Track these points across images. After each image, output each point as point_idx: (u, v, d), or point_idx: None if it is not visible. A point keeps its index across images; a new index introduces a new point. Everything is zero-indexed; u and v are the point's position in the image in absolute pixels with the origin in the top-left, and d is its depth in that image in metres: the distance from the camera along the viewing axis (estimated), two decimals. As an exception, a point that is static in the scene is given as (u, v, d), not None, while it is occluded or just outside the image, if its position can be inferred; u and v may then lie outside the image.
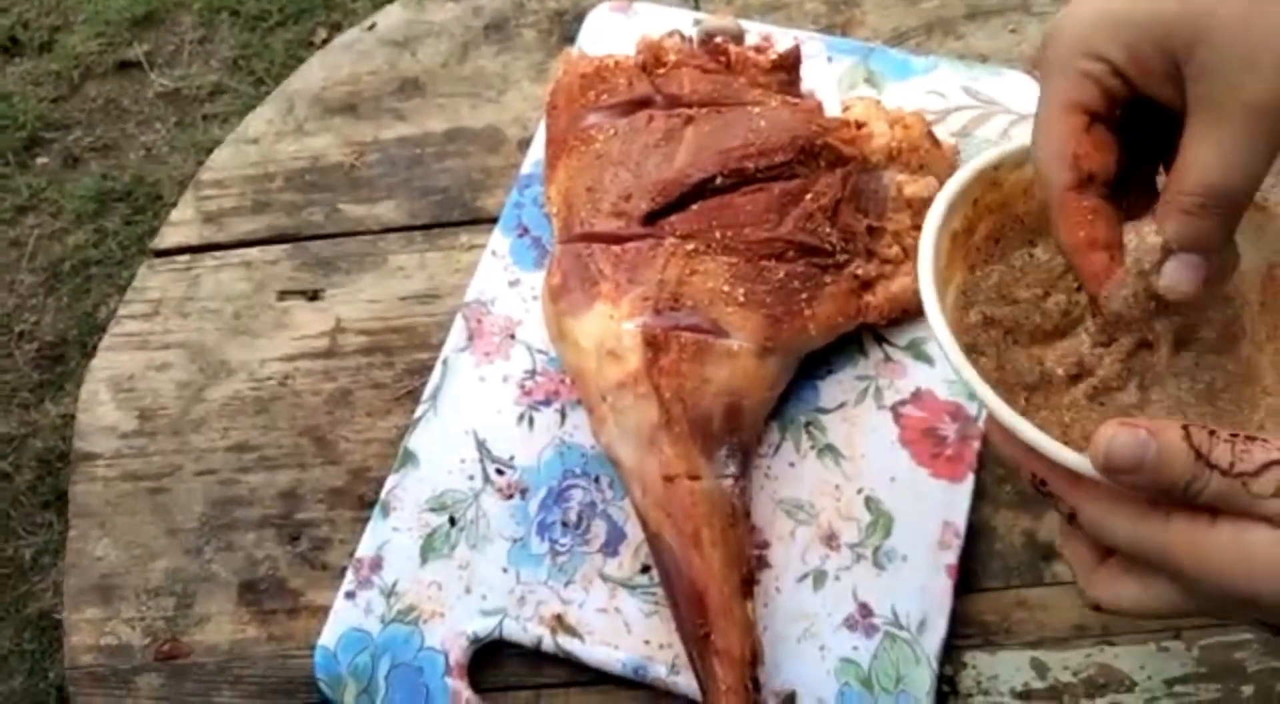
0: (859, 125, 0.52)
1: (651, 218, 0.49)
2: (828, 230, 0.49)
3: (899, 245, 0.51)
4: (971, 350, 0.38)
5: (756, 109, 0.51)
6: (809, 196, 0.49)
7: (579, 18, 0.65)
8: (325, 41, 1.67)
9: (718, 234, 0.48)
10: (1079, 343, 0.38)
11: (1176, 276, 0.32)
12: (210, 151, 1.65)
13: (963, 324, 0.39)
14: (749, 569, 0.46)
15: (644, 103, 0.52)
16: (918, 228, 0.51)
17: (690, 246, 0.48)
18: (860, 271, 0.50)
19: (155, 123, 1.62)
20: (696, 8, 0.65)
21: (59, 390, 1.37)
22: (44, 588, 1.22)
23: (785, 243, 0.49)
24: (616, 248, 0.49)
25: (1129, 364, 0.37)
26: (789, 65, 0.53)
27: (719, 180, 0.49)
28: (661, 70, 0.53)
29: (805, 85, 0.56)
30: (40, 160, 1.60)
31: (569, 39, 0.65)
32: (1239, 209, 0.31)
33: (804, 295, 0.49)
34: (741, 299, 0.48)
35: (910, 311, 0.52)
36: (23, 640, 1.19)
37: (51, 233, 1.52)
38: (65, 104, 1.65)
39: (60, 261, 1.48)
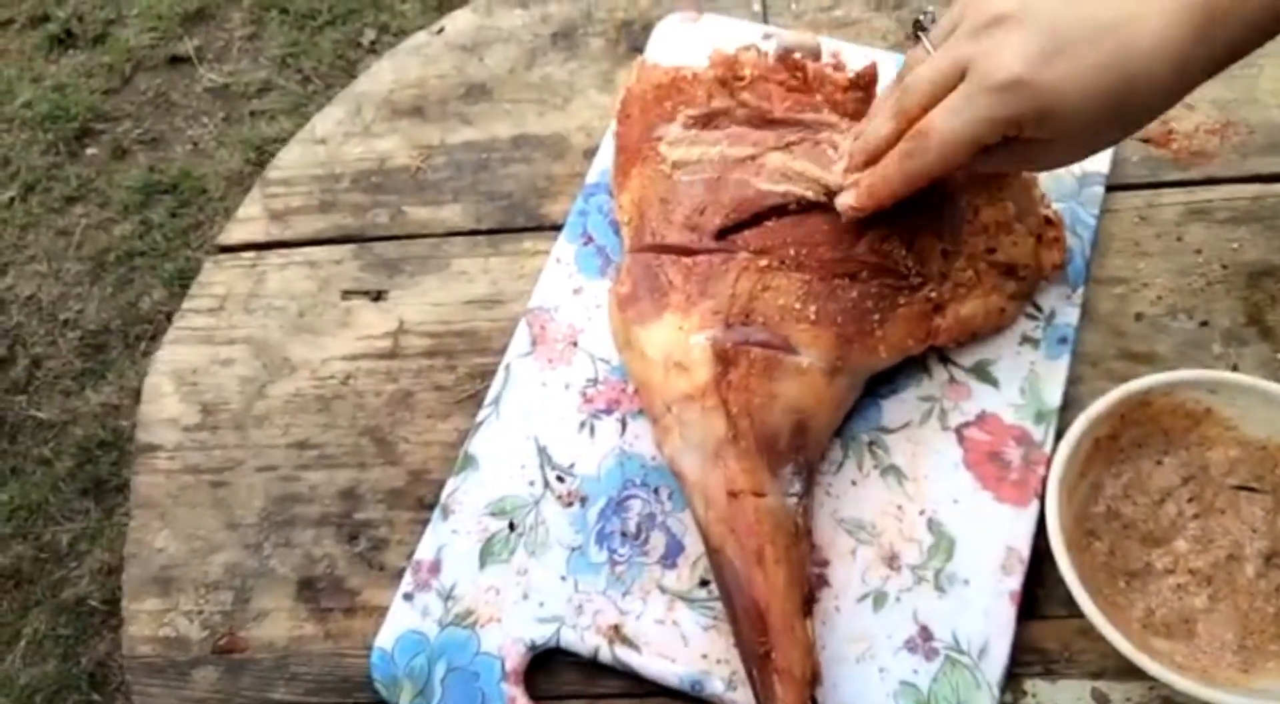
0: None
1: (724, 233, 0.49)
2: (903, 252, 0.49)
3: (972, 269, 0.50)
4: (1090, 534, 0.48)
5: (839, 135, 0.50)
6: (885, 217, 0.49)
7: (646, 28, 0.65)
8: (373, 42, 1.69)
9: (791, 251, 0.48)
10: (1179, 546, 0.47)
11: None
12: (258, 148, 1.67)
13: (1088, 511, 0.48)
14: (809, 589, 0.46)
15: (723, 115, 0.52)
16: (991, 251, 0.51)
17: (763, 262, 0.48)
18: (933, 294, 0.50)
19: (203, 117, 1.64)
20: (765, 22, 0.65)
21: (100, 379, 1.39)
22: (80, 574, 1.24)
23: (859, 263, 0.48)
24: (688, 260, 0.49)
25: (1215, 571, 0.46)
26: (865, 83, 0.53)
27: (795, 204, 0.49)
28: (740, 83, 0.53)
29: (876, 103, 0.56)
30: (90, 151, 1.62)
31: (636, 49, 0.65)
32: None
33: (876, 316, 0.48)
34: (813, 317, 0.47)
35: (979, 334, 0.51)
36: (57, 625, 1.21)
37: (99, 223, 1.54)
38: (116, 96, 1.67)
39: (106, 251, 1.50)
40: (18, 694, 1.16)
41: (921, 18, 0.46)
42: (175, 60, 1.70)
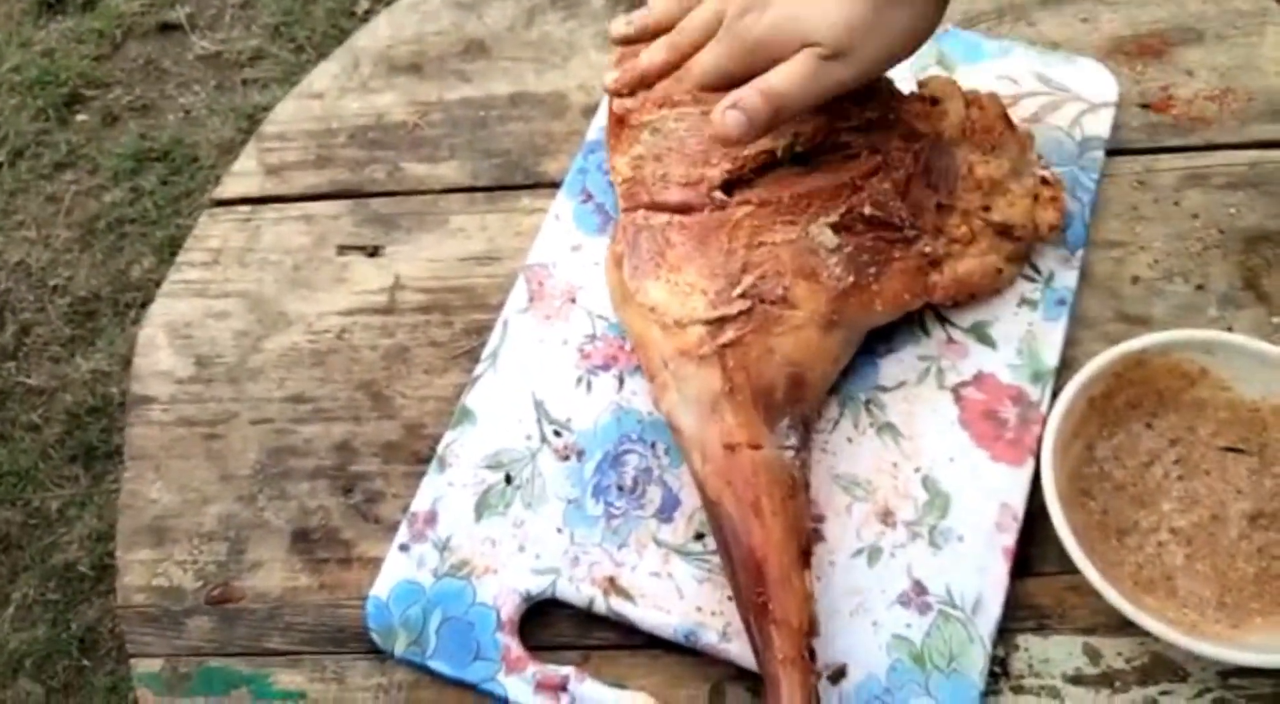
0: (934, 101, 0.51)
1: (721, 190, 0.49)
2: (898, 204, 0.49)
3: (967, 225, 0.50)
4: (1083, 493, 0.48)
5: None
6: (881, 171, 0.49)
7: (647, -12, 0.65)
8: (367, 11, 1.68)
9: (787, 204, 0.48)
10: (1164, 507, 0.48)
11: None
12: (249, 116, 1.65)
13: (1081, 471, 0.48)
14: (806, 541, 0.46)
15: None
16: (987, 209, 0.51)
17: (758, 218, 0.48)
18: (928, 249, 0.50)
19: (194, 85, 1.63)
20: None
21: (90, 346, 1.38)
22: (69, 540, 1.23)
23: (855, 216, 0.48)
24: (683, 216, 0.49)
25: (1197, 531, 0.47)
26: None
27: (793, 147, 0.49)
28: None
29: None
30: (80, 117, 1.60)
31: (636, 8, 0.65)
32: None
33: (871, 270, 0.48)
34: (808, 271, 0.47)
35: (976, 294, 0.51)
36: (47, 590, 1.20)
37: (88, 190, 1.52)
38: (106, 63, 1.65)
39: (96, 218, 1.49)
40: (7, 658, 1.16)
41: None
42: (166, 27, 1.69)
